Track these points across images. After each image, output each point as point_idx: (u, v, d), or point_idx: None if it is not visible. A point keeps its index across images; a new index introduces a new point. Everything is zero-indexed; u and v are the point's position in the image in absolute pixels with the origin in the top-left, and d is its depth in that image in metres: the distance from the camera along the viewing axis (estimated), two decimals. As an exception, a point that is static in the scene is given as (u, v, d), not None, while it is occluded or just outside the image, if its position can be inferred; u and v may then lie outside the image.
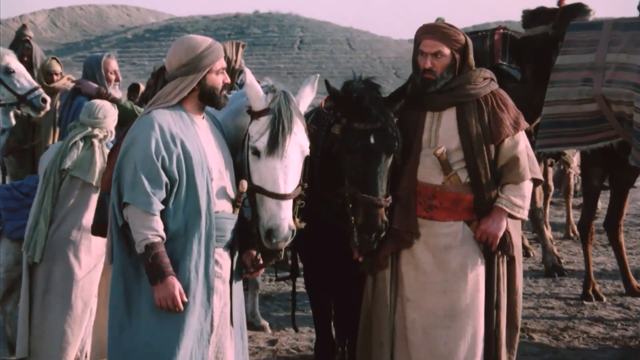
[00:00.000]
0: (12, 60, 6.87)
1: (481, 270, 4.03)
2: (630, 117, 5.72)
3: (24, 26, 10.09)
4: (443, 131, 4.01)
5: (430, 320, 4.02)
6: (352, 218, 3.92)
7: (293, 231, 3.60)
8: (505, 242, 4.02)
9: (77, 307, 4.55)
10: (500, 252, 4.04)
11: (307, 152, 3.71)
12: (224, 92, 3.65)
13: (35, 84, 6.95)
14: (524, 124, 4.08)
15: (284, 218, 3.55)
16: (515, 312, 4.17)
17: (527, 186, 4.04)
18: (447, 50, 4.00)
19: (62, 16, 60.34)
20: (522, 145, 4.04)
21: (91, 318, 4.64)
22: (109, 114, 4.75)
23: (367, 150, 3.92)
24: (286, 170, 3.59)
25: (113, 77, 5.79)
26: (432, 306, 4.01)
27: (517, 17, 7.24)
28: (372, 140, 3.93)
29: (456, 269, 4.00)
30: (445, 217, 4.01)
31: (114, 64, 5.82)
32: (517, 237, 4.17)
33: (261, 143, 3.60)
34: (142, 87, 8.85)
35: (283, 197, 3.56)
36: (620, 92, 5.77)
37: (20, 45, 8.85)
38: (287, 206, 3.58)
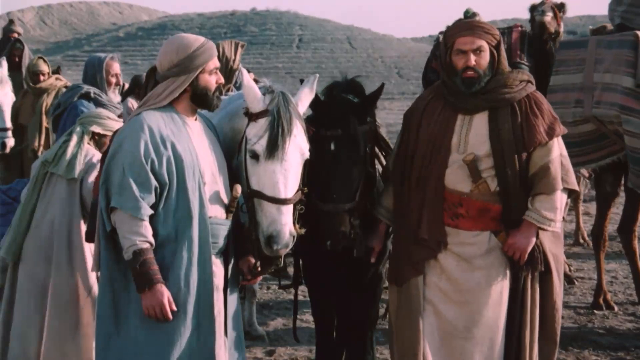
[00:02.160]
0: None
1: (505, 283, 3.99)
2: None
3: (11, 22, 9.89)
4: (473, 136, 3.95)
5: (448, 329, 4.00)
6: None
7: (294, 237, 3.59)
8: (534, 257, 3.97)
9: (51, 312, 4.51)
10: (526, 267, 3.98)
11: (307, 155, 3.70)
12: (217, 93, 3.64)
13: (8, 124, 7.00)
14: (560, 130, 3.99)
15: (285, 224, 3.54)
16: (554, 327, 4.12)
17: (559, 197, 3.95)
18: (486, 46, 3.95)
19: (51, 13, 60.33)
20: (555, 153, 3.95)
21: (79, 325, 4.57)
22: (105, 114, 4.76)
23: (327, 157, 3.94)
24: (286, 173, 3.58)
25: (114, 80, 5.78)
26: (452, 316, 3.99)
27: (524, 14, 7.28)
28: (332, 147, 3.95)
29: (480, 279, 3.97)
30: (471, 227, 3.97)
31: (116, 67, 5.81)
32: (557, 249, 4.11)
33: (260, 146, 3.59)
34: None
35: (283, 201, 3.55)
36: (608, 113, 5.89)
37: (10, 44, 8.79)
38: (288, 211, 3.57)
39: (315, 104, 4.03)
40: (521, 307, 4.01)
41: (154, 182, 3.44)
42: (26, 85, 7.71)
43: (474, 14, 8.74)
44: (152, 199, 3.44)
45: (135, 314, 3.47)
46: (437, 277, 4.02)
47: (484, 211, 3.96)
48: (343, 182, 3.94)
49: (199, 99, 3.61)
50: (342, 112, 3.98)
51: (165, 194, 3.47)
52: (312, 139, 3.92)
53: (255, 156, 3.61)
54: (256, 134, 3.61)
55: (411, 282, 4.05)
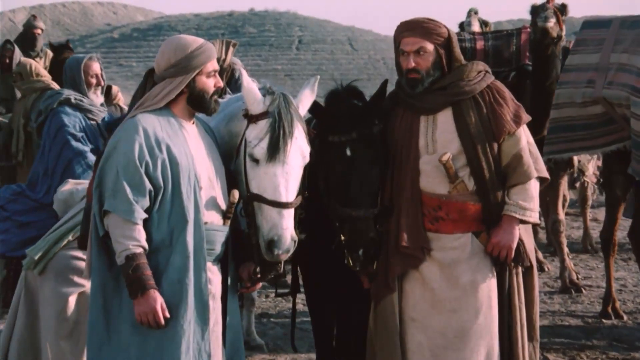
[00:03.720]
0: None
1: (493, 285, 3.97)
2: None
3: (33, 17, 9.53)
4: (440, 134, 3.95)
5: (439, 342, 3.95)
6: (342, 236, 3.95)
7: (295, 242, 3.60)
8: (520, 253, 3.98)
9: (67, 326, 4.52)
10: (514, 264, 3.99)
11: (308, 158, 3.71)
12: (216, 96, 3.64)
13: None
14: (526, 117, 4.02)
15: (286, 228, 3.55)
16: (536, 322, 4.12)
17: (534, 186, 3.98)
18: (429, 46, 3.94)
19: (43, 14, 60.40)
20: (523, 141, 3.97)
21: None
22: None
23: (344, 163, 3.94)
24: (287, 177, 3.59)
25: (94, 81, 5.71)
26: (441, 327, 3.95)
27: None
28: (348, 152, 3.95)
29: (466, 285, 3.94)
30: (452, 229, 3.96)
31: (95, 67, 5.74)
32: (530, 243, 4.13)
33: (260, 148, 3.59)
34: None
35: (285, 205, 3.56)
36: (619, 94, 5.76)
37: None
38: (289, 215, 3.58)
39: (320, 111, 4.04)
40: (509, 307, 4.00)
41: (148, 185, 3.44)
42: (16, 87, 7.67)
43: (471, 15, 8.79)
44: (146, 202, 3.45)
45: (128, 321, 3.46)
46: (420, 290, 3.98)
47: (464, 212, 3.95)
48: (366, 186, 3.94)
49: (196, 102, 3.61)
50: (352, 115, 3.99)
51: (159, 197, 3.47)
52: (322, 146, 3.94)
53: (255, 159, 3.61)
54: (256, 136, 3.62)
55: (386, 300, 4.03)
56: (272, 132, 3.58)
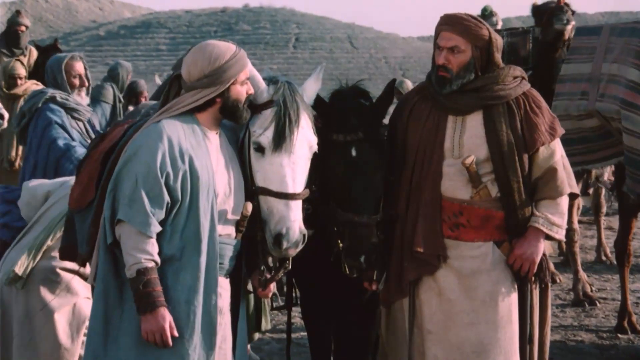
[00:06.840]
0: None
1: (514, 298, 3.97)
2: None
3: (17, 12, 9.56)
4: (468, 139, 3.95)
5: (456, 356, 3.96)
6: (339, 242, 3.95)
7: (304, 236, 3.61)
8: (542, 268, 3.98)
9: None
10: (534, 279, 3.99)
11: (315, 148, 3.73)
12: (246, 104, 3.64)
13: None
14: (561, 130, 4.03)
15: (294, 220, 3.57)
16: (546, 347, 4.14)
17: (565, 202, 4.00)
18: (465, 45, 3.93)
19: (24, 10, 60.39)
20: (558, 154, 3.98)
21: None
22: None
23: (348, 164, 3.94)
24: (294, 167, 3.62)
25: (77, 81, 5.70)
26: (458, 340, 3.95)
27: (541, 12, 7.29)
28: (353, 152, 3.95)
29: (485, 297, 3.94)
30: (473, 237, 3.96)
31: (78, 67, 5.74)
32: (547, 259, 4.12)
33: (266, 137, 3.62)
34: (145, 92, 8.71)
35: (292, 196, 3.58)
36: (610, 108, 5.81)
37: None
38: (297, 207, 3.60)
39: (324, 108, 4.04)
40: (530, 326, 3.99)
41: (167, 198, 3.45)
42: None
43: (492, 13, 8.73)
44: (162, 215, 3.45)
45: (127, 334, 3.46)
46: (436, 301, 3.99)
47: (487, 219, 3.95)
48: (370, 190, 3.95)
49: (229, 112, 3.61)
50: (359, 114, 4.00)
51: (175, 210, 3.48)
52: (324, 145, 3.93)
53: (260, 149, 3.64)
54: (261, 125, 3.65)
55: (396, 305, 4.06)
56: (278, 120, 3.61)
